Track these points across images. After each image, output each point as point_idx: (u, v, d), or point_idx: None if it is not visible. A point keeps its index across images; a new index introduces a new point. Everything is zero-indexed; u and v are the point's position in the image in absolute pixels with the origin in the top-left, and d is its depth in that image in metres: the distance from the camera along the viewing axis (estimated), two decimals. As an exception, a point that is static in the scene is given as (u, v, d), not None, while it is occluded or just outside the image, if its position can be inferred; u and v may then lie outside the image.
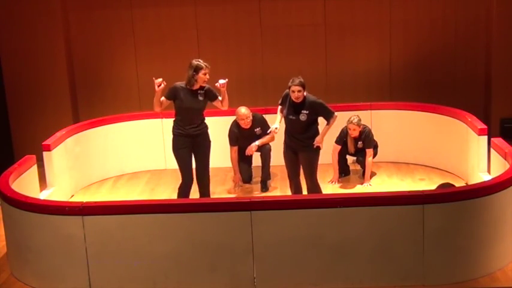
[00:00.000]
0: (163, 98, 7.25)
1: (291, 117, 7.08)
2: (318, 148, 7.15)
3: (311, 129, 7.12)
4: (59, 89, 9.98)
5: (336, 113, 7.13)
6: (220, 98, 7.33)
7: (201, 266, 6.02)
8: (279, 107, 7.34)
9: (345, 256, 5.94)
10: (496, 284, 5.94)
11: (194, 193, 7.52)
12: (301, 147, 7.13)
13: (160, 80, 7.13)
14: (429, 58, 9.97)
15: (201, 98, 7.23)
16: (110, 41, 10.09)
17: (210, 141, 7.44)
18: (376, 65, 10.03)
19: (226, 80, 7.23)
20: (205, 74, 7.14)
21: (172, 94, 7.23)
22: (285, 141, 7.30)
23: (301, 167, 7.28)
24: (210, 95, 7.31)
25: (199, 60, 7.20)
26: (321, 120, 7.18)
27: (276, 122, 7.34)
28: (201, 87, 7.24)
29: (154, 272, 6.04)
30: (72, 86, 10.12)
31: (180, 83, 7.24)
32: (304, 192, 7.39)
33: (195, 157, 7.41)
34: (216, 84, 7.23)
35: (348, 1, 9.89)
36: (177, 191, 7.44)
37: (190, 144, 7.29)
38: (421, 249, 5.90)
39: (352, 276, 5.97)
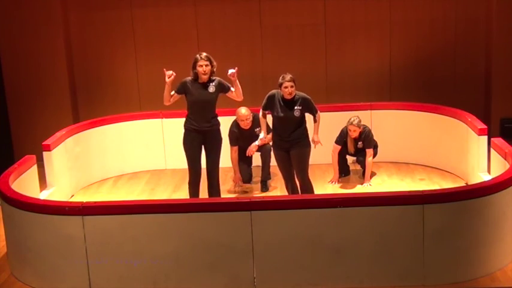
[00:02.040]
0: (173, 92, 7.24)
1: (283, 115, 7.06)
2: (309, 144, 7.14)
3: (302, 124, 7.13)
4: (59, 89, 9.98)
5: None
6: (233, 89, 7.29)
7: (201, 266, 6.02)
8: (261, 112, 7.30)
9: (345, 256, 5.94)
10: (496, 284, 5.94)
11: (204, 193, 7.55)
12: (293, 145, 7.10)
13: (171, 72, 7.13)
14: (429, 58, 9.97)
15: (211, 90, 7.18)
16: (110, 41, 10.08)
17: (221, 138, 7.39)
18: (376, 65, 10.03)
19: (236, 68, 7.19)
20: (201, 66, 7.10)
21: (182, 88, 7.22)
22: (274, 143, 7.27)
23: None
24: (222, 87, 7.26)
25: (200, 52, 7.19)
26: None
27: (263, 132, 7.37)
28: (211, 80, 7.21)
29: (154, 272, 6.04)
30: (72, 86, 10.12)
31: (190, 77, 7.23)
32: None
33: (206, 154, 7.37)
34: (228, 74, 7.20)
35: (348, 1, 9.88)
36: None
37: (200, 139, 7.26)
38: (421, 249, 5.90)
39: (352, 276, 5.97)
